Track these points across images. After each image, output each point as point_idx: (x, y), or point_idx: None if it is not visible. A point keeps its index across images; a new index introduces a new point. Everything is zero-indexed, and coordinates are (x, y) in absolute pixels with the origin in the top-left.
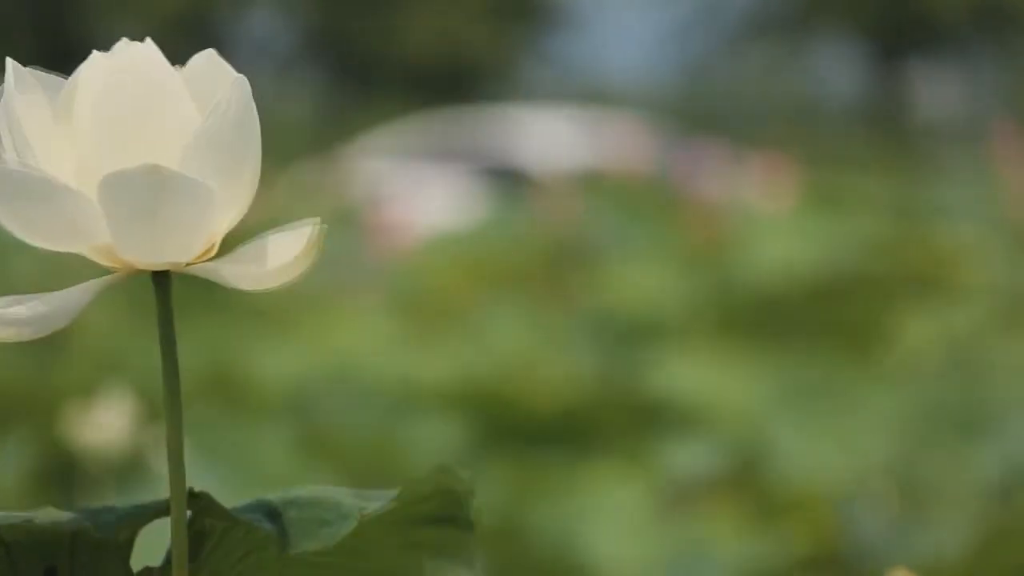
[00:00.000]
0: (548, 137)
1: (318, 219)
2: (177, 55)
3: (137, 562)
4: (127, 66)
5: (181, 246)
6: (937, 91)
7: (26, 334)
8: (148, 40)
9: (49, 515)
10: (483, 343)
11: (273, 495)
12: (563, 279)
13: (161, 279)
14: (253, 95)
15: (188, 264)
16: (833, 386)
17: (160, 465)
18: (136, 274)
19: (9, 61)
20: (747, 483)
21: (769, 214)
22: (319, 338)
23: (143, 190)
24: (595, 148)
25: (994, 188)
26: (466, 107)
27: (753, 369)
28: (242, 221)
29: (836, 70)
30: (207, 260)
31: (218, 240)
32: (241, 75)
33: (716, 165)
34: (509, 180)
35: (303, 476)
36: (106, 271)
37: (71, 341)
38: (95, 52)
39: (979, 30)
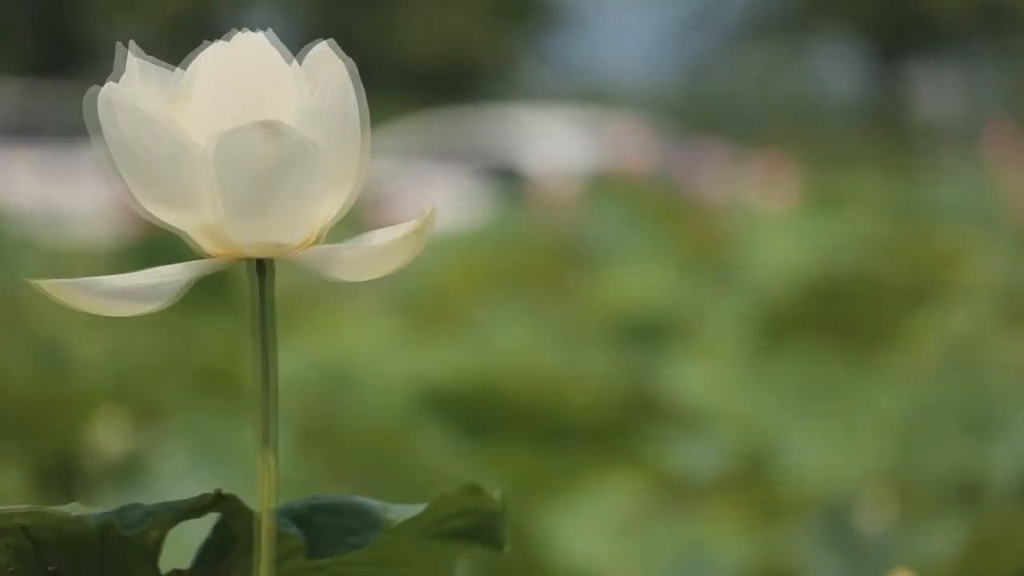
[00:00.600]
0: (548, 137)
1: (432, 208)
2: (177, 55)
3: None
4: (244, 53)
5: (288, 220)
6: (937, 91)
7: (137, 308)
8: (269, 30)
9: (77, 511)
10: (484, 343)
11: (299, 501)
12: (563, 279)
13: (262, 268)
14: None
15: (293, 249)
16: (834, 385)
17: (159, 466)
18: (237, 262)
19: (131, 45)
20: (750, 483)
21: (769, 214)
22: (320, 338)
23: (259, 146)
24: (595, 148)
25: (994, 188)
26: (466, 107)
27: (755, 369)
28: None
29: (836, 70)
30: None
31: (321, 230)
32: (346, 59)
33: (716, 165)
34: (509, 180)
35: (303, 476)
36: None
37: (71, 344)
38: (216, 42)
39: (979, 30)
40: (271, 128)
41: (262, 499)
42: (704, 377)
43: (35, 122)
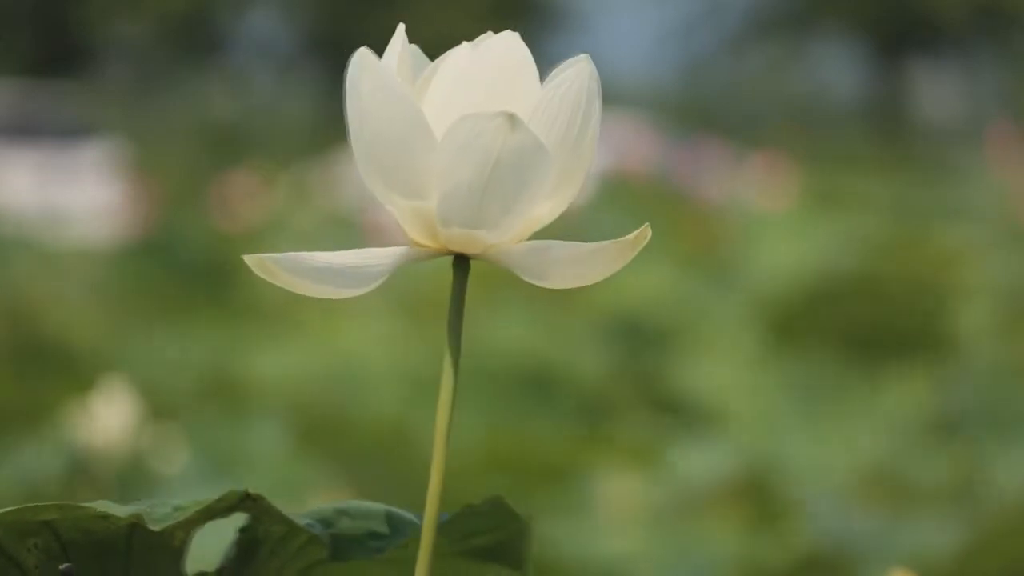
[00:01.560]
0: None
1: (647, 224)
2: (177, 55)
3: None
4: (487, 51)
5: (503, 218)
6: (937, 91)
7: (341, 290)
8: (516, 33)
9: (104, 506)
10: (485, 342)
11: (327, 505)
12: None
13: (463, 264)
14: (253, 95)
15: (499, 246)
16: (834, 385)
17: (162, 465)
18: (440, 255)
19: (400, 29)
20: (752, 482)
21: (769, 214)
22: (320, 338)
23: (492, 135)
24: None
25: (994, 188)
26: None
27: (755, 368)
28: (243, 220)
29: (836, 70)
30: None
31: (534, 229)
32: (591, 65)
33: (716, 165)
34: None
35: (305, 475)
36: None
37: (72, 344)
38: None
39: (979, 30)
40: (507, 119)
41: (432, 493)
42: (704, 376)
43: (35, 122)
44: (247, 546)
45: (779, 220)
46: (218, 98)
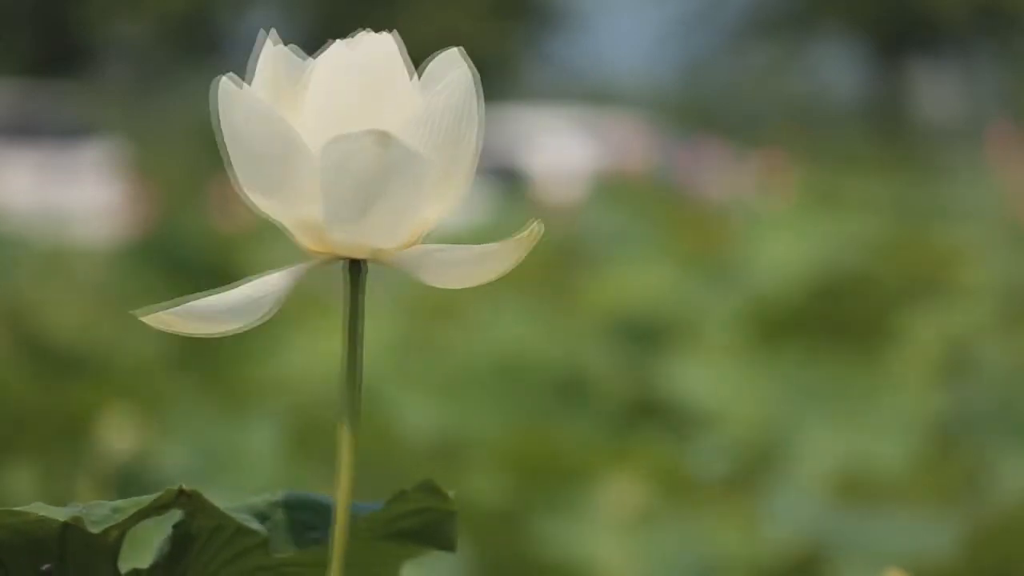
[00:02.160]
0: (549, 137)
1: (538, 220)
2: (177, 55)
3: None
4: (362, 52)
5: (390, 226)
6: (937, 91)
7: (241, 324)
8: (395, 32)
9: (43, 510)
10: (486, 342)
11: (259, 498)
12: (564, 278)
13: (356, 269)
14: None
15: (389, 250)
16: (834, 385)
17: (166, 466)
18: (333, 261)
19: (272, 33)
20: (751, 481)
21: (769, 213)
22: (320, 338)
23: (365, 155)
24: (596, 148)
25: (994, 188)
26: None
27: (754, 368)
28: (242, 220)
29: (836, 69)
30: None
31: (424, 231)
32: (472, 67)
33: (716, 164)
34: (510, 180)
35: (302, 476)
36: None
37: (74, 343)
38: (336, 41)
39: (979, 30)
40: (379, 138)
41: (341, 496)
42: (704, 376)
43: (35, 122)
44: (180, 541)
45: (779, 220)
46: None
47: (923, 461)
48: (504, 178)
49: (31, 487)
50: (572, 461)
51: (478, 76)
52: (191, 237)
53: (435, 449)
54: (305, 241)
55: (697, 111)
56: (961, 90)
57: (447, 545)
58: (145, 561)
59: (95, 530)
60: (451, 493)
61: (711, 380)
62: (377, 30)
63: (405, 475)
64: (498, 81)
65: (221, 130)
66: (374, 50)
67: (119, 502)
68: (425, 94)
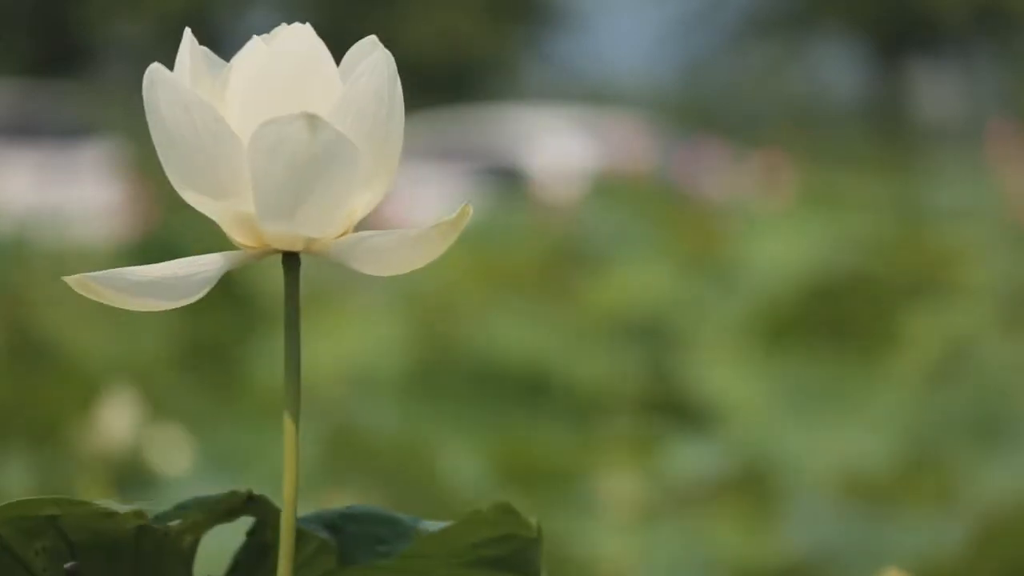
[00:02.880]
0: (549, 137)
1: (467, 203)
2: (176, 55)
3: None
4: (283, 45)
5: (321, 214)
6: (937, 91)
7: (163, 301)
8: (308, 24)
9: (107, 505)
10: (486, 341)
11: (332, 509)
12: (564, 279)
13: (291, 261)
14: None
15: (322, 240)
16: (834, 385)
17: (163, 466)
18: (267, 254)
19: (188, 33)
20: (750, 481)
21: (769, 214)
22: (321, 338)
23: (297, 139)
24: (595, 148)
25: (994, 188)
26: (466, 107)
27: (755, 368)
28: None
29: (836, 70)
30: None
31: (354, 221)
32: (386, 51)
33: (716, 165)
34: (509, 180)
35: (305, 476)
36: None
37: (75, 342)
38: (255, 37)
39: (979, 30)
40: (309, 121)
41: (287, 494)
42: (704, 376)
43: (35, 122)
44: (256, 551)
45: (778, 219)
46: None
47: (923, 461)
48: (504, 178)
49: (29, 486)
50: (572, 460)
51: (393, 61)
52: (191, 237)
53: (433, 449)
54: (238, 236)
55: (697, 111)
56: (961, 90)
57: (532, 573)
58: (218, 568)
59: (161, 526)
60: (533, 520)
61: (711, 380)
62: (377, 31)
63: (406, 475)
64: (498, 81)
65: (149, 121)
66: (294, 42)
67: (183, 501)
68: (346, 85)
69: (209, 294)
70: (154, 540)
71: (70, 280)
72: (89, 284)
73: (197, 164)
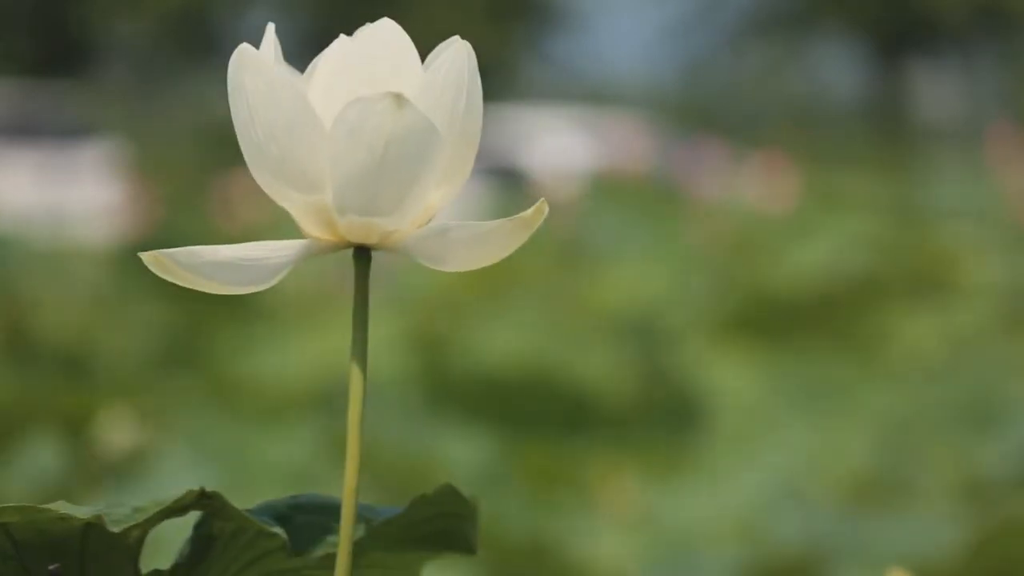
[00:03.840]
0: (549, 137)
1: (543, 199)
2: (177, 55)
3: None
4: (367, 39)
5: (399, 203)
6: (937, 91)
7: (232, 285)
8: (393, 22)
9: (64, 507)
10: (485, 341)
11: (280, 500)
12: (564, 277)
13: (362, 255)
14: None
15: (398, 233)
16: (834, 383)
17: (162, 465)
18: (341, 247)
19: (270, 27)
20: (754, 482)
21: (769, 214)
22: (322, 339)
23: (381, 117)
24: (595, 147)
25: (994, 188)
26: None
27: (756, 367)
28: (243, 221)
29: (836, 70)
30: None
31: (430, 216)
32: (467, 45)
33: (716, 164)
34: (510, 179)
35: (305, 474)
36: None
37: (71, 346)
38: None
39: (979, 30)
40: (395, 99)
41: (348, 483)
42: (704, 375)
43: (35, 122)
44: (201, 543)
45: (779, 220)
46: (218, 98)
47: (923, 460)
48: (504, 178)
49: (27, 486)
50: (572, 460)
51: (474, 55)
52: (191, 237)
53: (432, 449)
54: (312, 228)
55: (697, 111)
56: (961, 90)
57: (467, 548)
58: (166, 562)
59: (116, 529)
60: (471, 496)
61: (711, 379)
62: None
63: (404, 476)
64: (498, 81)
65: (232, 103)
66: (378, 36)
67: (140, 502)
68: (429, 77)
69: (208, 296)
70: (101, 537)
71: (144, 256)
72: (163, 260)
73: (278, 148)
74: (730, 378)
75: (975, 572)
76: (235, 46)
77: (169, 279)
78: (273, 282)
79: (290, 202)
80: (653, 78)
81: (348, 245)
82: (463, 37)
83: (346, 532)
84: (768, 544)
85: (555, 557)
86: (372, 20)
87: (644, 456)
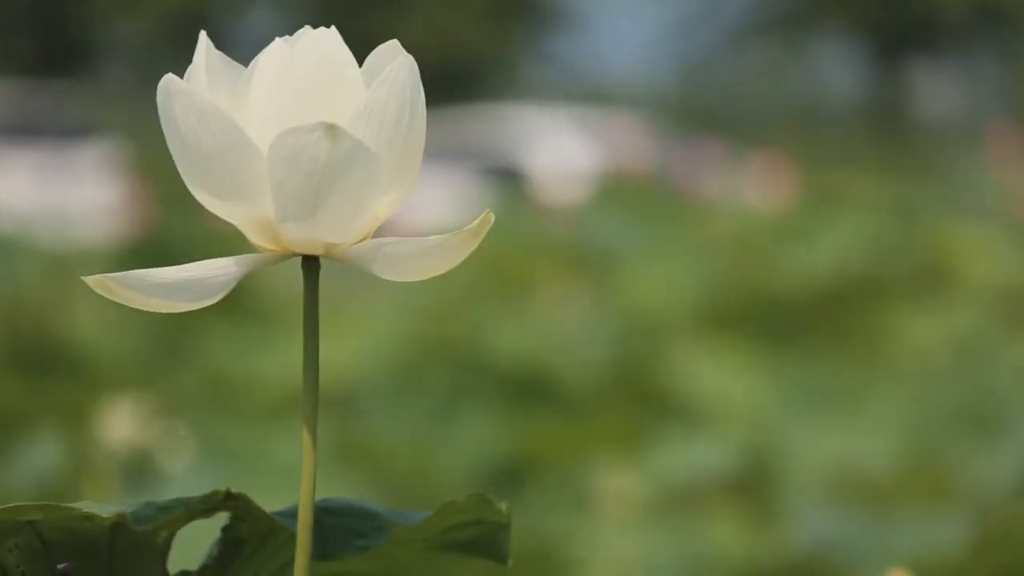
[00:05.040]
0: (548, 137)
1: (488, 211)
2: (177, 54)
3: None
4: (305, 49)
5: (341, 220)
6: (937, 91)
7: (180, 303)
8: (333, 28)
9: (88, 507)
10: (486, 341)
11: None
12: (564, 278)
13: (311, 264)
14: None
15: (342, 245)
16: (836, 384)
17: (170, 464)
18: (286, 258)
19: (203, 37)
20: (753, 481)
21: (769, 214)
22: (321, 339)
23: (315, 148)
24: (596, 148)
25: (994, 188)
26: (466, 107)
27: (757, 368)
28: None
29: (836, 69)
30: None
31: (375, 226)
32: (409, 56)
33: (716, 165)
34: (510, 180)
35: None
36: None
37: (72, 346)
38: (276, 39)
39: (979, 30)
40: (328, 131)
41: (304, 493)
42: (706, 376)
43: (35, 122)
44: (230, 545)
45: (779, 220)
46: None
47: (924, 461)
48: (504, 178)
49: (30, 486)
50: (573, 459)
51: (416, 66)
52: (191, 237)
53: (432, 448)
54: (258, 239)
55: (697, 111)
56: (961, 90)
57: (499, 557)
58: (193, 563)
59: (140, 528)
60: (503, 505)
61: (713, 380)
62: (376, 31)
63: (409, 478)
64: (498, 81)
65: (165, 132)
66: (316, 46)
67: (165, 501)
68: (368, 90)
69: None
70: (128, 537)
71: (89, 280)
72: (108, 284)
73: (215, 172)
74: (732, 377)
75: (977, 572)
76: (235, 46)
77: (116, 301)
78: (221, 296)
79: (232, 217)
80: (653, 78)
81: (294, 255)
82: (463, 37)
83: (303, 542)
84: (772, 544)
85: (557, 557)
86: (372, 21)
87: (644, 455)
